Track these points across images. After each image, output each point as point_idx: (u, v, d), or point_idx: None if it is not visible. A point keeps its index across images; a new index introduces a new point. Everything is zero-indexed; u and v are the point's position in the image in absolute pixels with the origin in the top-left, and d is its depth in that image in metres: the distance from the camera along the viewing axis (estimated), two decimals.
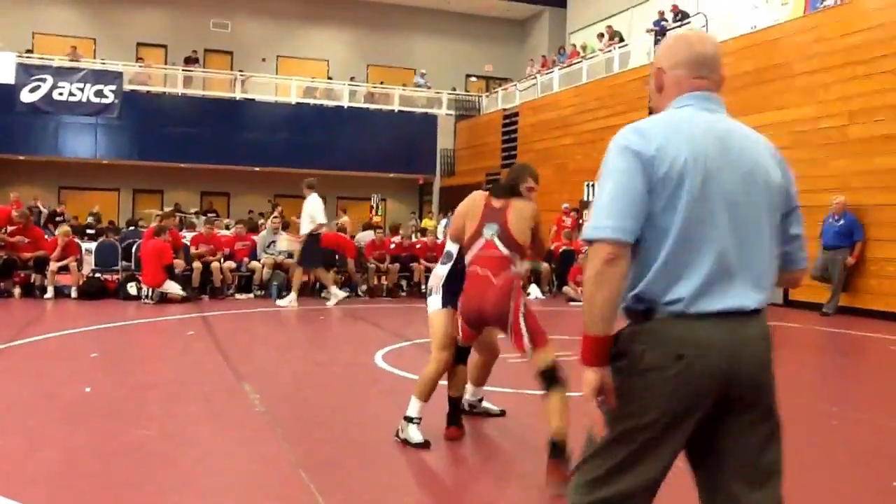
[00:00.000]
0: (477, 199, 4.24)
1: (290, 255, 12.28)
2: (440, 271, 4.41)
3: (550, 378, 3.80)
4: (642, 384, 1.83)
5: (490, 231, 4.03)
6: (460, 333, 4.20)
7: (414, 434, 4.23)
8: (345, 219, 15.20)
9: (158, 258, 10.99)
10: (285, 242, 12.52)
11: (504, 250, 3.97)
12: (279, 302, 11.21)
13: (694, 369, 1.80)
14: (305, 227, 11.17)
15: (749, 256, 1.87)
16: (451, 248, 4.39)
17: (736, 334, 1.85)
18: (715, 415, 1.87)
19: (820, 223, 11.63)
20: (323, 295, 11.97)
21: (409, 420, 4.25)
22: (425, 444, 4.20)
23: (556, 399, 3.73)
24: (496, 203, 4.10)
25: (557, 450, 3.61)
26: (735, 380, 1.85)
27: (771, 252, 1.93)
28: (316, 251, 11.38)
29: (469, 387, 4.74)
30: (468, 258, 4.09)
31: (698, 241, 1.83)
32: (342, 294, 11.69)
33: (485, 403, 4.98)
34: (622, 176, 1.83)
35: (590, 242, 1.83)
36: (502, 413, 4.96)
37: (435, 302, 4.36)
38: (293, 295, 11.19)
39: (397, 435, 4.30)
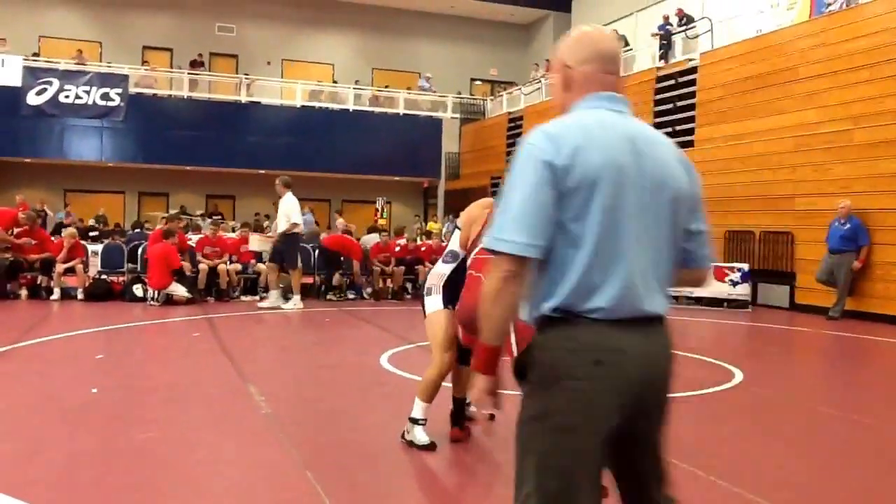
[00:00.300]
0: (484, 205, 4.27)
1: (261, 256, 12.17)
2: (442, 269, 4.38)
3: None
4: (561, 393, 1.80)
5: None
6: (461, 335, 4.22)
7: (420, 435, 4.23)
8: (340, 220, 15.16)
9: (165, 261, 11.02)
10: (256, 242, 12.32)
11: None
12: (284, 305, 11.21)
13: (612, 375, 1.79)
14: (282, 226, 10.99)
15: (657, 263, 1.88)
16: (455, 247, 4.39)
17: (649, 339, 1.86)
18: (629, 420, 1.86)
19: (826, 227, 11.64)
20: (263, 295, 11.68)
21: (415, 422, 4.26)
22: (431, 446, 4.21)
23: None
24: None
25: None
26: (649, 384, 1.86)
27: (672, 258, 1.93)
28: (292, 251, 11.14)
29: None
30: (468, 262, 4.13)
31: (613, 250, 1.80)
32: (278, 301, 11.23)
33: (473, 407, 4.89)
34: (532, 188, 1.77)
35: (492, 252, 1.80)
36: (491, 417, 4.88)
37: (435, 302, 4.33)
38: (296, 297, 11.19)
39: (403, 437, 4.31)
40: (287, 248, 11.07)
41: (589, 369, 1.79)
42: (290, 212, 10.93)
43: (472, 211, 4.34)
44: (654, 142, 1.91)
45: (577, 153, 1.78)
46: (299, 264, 11.45)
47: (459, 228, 4.39)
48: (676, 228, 1.91)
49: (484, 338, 1.86)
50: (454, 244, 4.41)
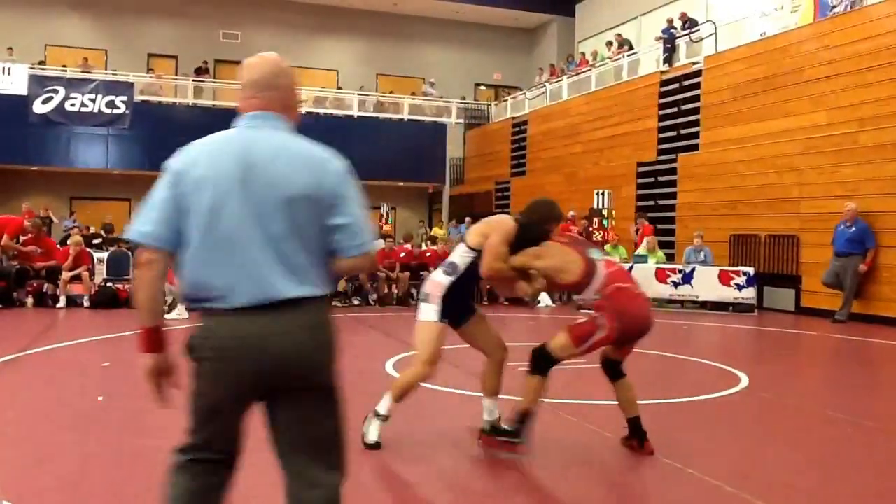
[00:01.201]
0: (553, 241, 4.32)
1: None
2: (442, 280, 4.29)
3: (620, 370, 4.31)
4: (198, 371, 2.15)
5: (597, 253, 4.29)
6: (584, 347, 4.10)
7: (373, 433, 4.26)
8: None
9: None
10: None
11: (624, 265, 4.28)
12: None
13: (226, 359, 2.09)
14: None
15: (283, 254, 2.10)
16: (457, 259, 4.32)
17: (265, 326, 2.09)
18: (271, 395, 2.18)
19: (832, 230, 11.61)
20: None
21: (377, 415, 4.29)
22: (375, 446, 4.26)
23: (628, 387, 4.28)
24: (560, 238, 4.36)
25: (638, 427, 4.24)
26: (268, 366, 2.10)
27: (304, 248, 2.13)
28: None
29: (485, 402, 4.43)
30: (598, 285, 4.09)
31: (220, 245, 2.09)
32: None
33: (505, 425, 4.34)
34: (158, 189, 2.14)
35: (136, 245, 2.13)
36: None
37: (430, 312, 4.24)
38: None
39: (363, 440, 4.29)
40: None
41: (211, 354, 2.10)
42: None
43: (532, 248, 4.25)
44: (275, 149, 2.19)
45: (191, 163, 2.14)
46: None
47: (464, 242, 4.37)
48: (302, 223, 2.13)
49: (139, 321, 2.17)
50: (456, 255, 4.35)
